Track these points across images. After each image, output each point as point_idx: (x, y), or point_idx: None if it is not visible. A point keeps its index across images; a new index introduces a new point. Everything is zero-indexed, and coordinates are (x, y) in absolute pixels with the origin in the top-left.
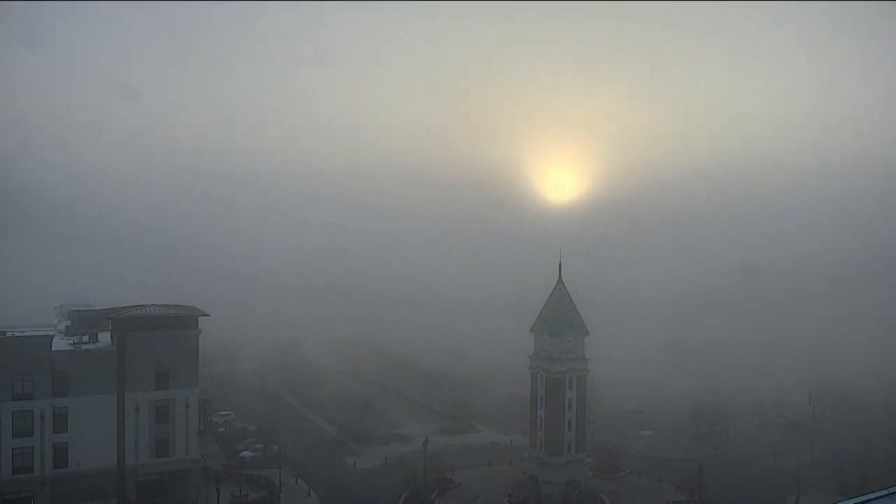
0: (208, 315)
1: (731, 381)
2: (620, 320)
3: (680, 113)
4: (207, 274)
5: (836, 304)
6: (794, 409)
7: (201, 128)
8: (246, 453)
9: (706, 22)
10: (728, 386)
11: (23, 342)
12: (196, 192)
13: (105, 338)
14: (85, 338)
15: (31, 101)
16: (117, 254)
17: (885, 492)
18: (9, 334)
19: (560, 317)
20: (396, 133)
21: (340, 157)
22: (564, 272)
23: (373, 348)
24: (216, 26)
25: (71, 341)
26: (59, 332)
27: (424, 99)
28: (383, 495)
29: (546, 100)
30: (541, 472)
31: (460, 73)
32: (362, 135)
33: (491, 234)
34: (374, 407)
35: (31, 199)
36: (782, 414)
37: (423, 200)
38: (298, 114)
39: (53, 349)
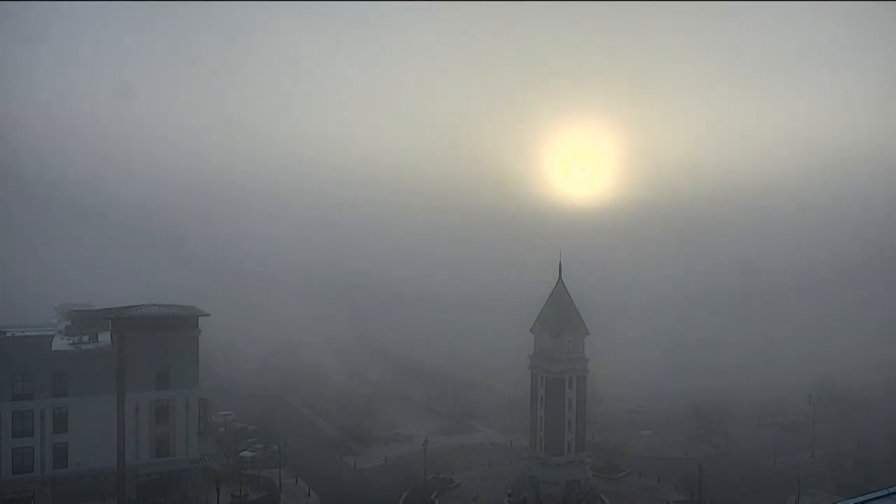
0: (208, 315)
1: (731, 381)
2: (621, 320)
3: (682, 116)
4: (207, 274)
5: (836, 305)
6: (794, 409)
7: (202, 128)
8: (246, 453)
9: (715, 28)
10: (728, 386)
11: (23, 342)
12: (196, 192)
13: (105, 338)
14: (85, 338)
15: (32, 100)
16: (118, 253)
17: (885, 492)
18: (9, 334)
19: (560, 317)
20: (396, 132)
21: (340, 156)
22: (565, 272)
23: (373, 348)
24: (217, 29)
25: (71, 341)
26: (59, 332)
27: (425, 99)
28: (383, 495)
29: (551, 100)
30: (541, 472)
31: (461, 71)
32: (362, 133)
33: (491, 234)
34: (374, 407)
35: (31, 200)
36: (782, 414)
37: (424, 200)
38: (299, 114)
39: (53, 349)
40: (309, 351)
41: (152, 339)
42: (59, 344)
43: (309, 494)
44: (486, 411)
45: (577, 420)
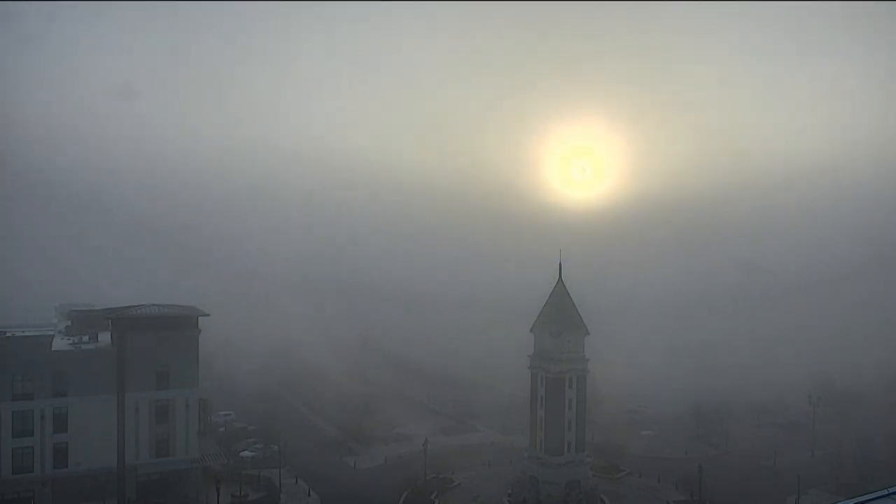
0: (208, 315)
1: (731, 382)
2: (621, 320)
3: (682, 115)
4: (208, 274)
5: (836, 305)
6: (794, 409)
7: (202, 128)
8: (246, 453)
9: (715, 27)
10: (728, 386)
11: (23, 342)
12: (196, 192)
13: (105, 338)
14: (85, 338)
15: (32, 101)
16: (118, 254)
17: (885, 492)
18: (9, 334)
19: (560, 317)
20: (396, 131)
21: (340, 155)
22: (565, 272)
23: (373, 348)
24: (217, 29)
25: (71, 341)
26: (59, 332)
27: (425, 98)
28: (383, 495)
29: (550, 99)
30: (541, 472)
31: (461, 70)
32: (361, 133)
33: (491, 234)
34: (374, 407)
35: (31, 200)
36: (782, 414)
37: (424, 199)
38: (299, 114)
39: (53, 349)
40: (309, 351)
41: (152, 339)
42: (59, 344)
43: (309, 494)
44: (486, 411)
45: (577, 420)
